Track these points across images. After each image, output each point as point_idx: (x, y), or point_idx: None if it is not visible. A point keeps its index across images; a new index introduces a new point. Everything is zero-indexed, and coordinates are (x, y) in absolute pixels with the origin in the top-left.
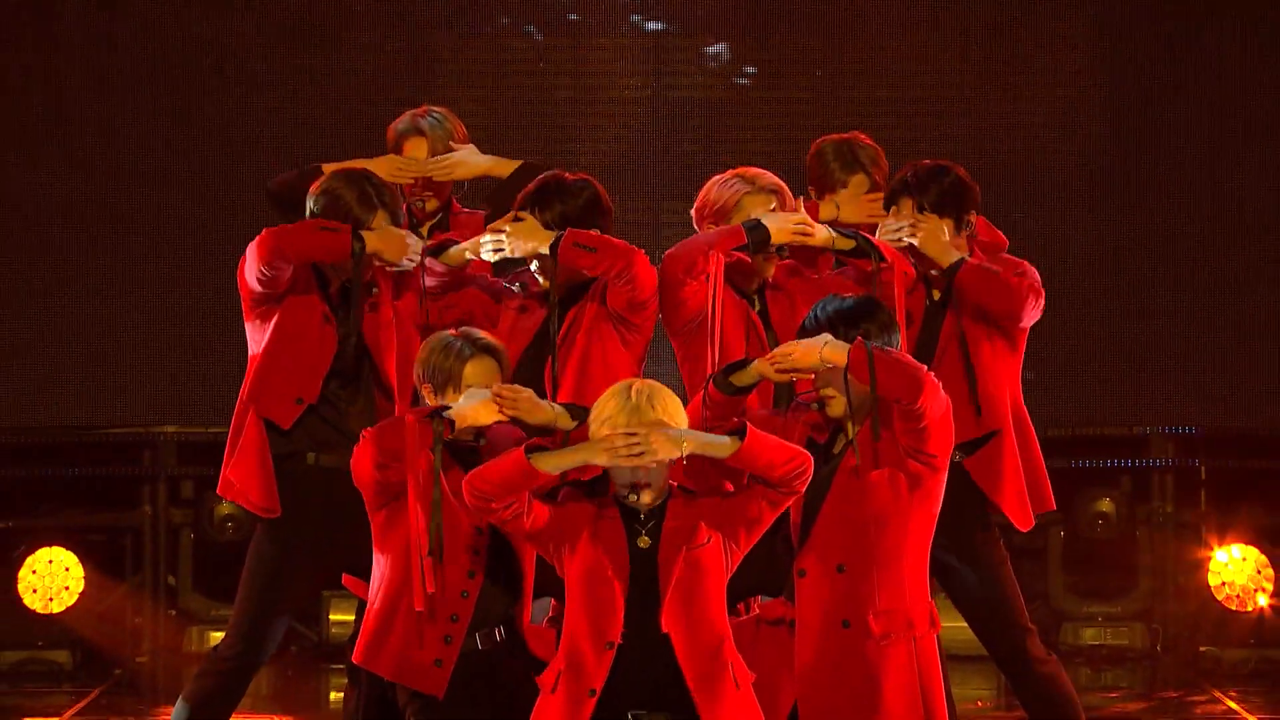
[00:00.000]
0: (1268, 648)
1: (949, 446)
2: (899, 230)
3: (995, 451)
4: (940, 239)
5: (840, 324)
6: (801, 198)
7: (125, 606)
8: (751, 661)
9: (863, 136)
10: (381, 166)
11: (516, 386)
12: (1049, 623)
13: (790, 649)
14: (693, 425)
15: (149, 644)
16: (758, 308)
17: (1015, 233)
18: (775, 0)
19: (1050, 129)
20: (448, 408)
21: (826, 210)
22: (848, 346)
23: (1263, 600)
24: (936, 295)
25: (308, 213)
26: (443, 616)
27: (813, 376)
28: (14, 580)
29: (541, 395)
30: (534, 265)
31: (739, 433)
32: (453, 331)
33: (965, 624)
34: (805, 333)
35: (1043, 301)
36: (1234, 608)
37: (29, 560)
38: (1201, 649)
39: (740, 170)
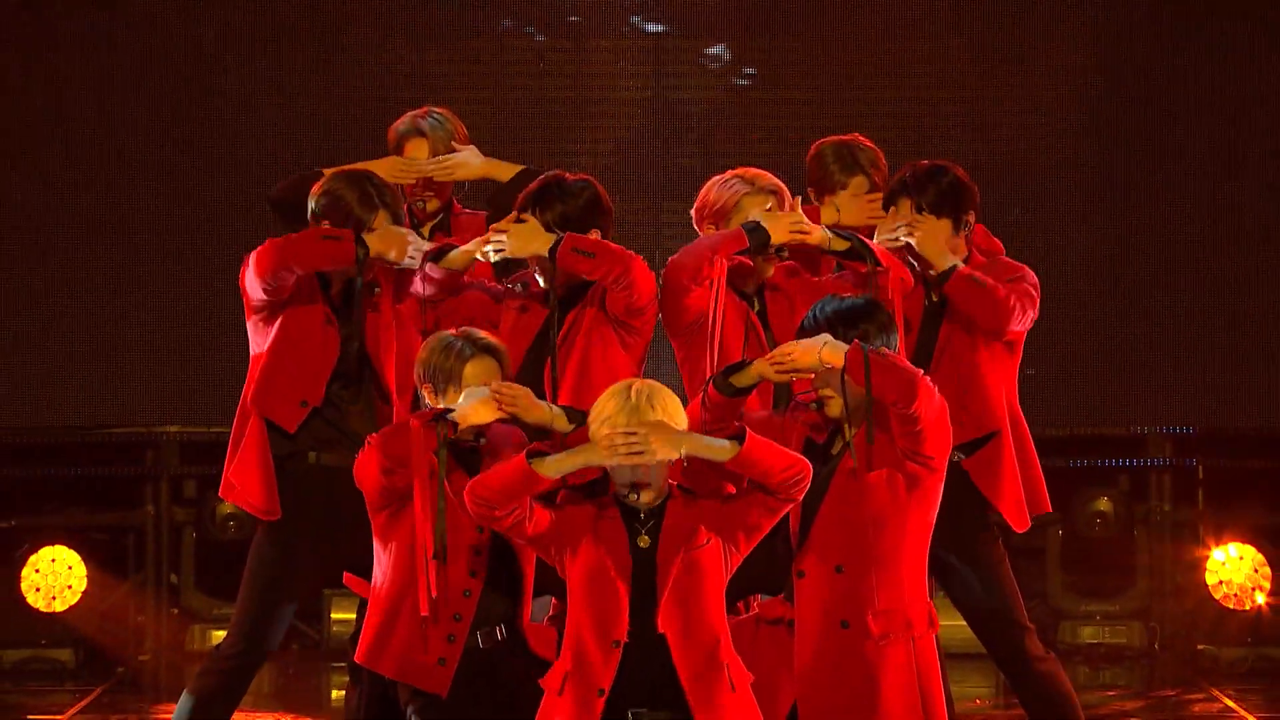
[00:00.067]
0: (1265, 646)
1: (946, 448)
2: (896, 230)
3: (994, 453)
4: (937, 240)
5: (839, 324)
6: (799, 198)
7: (128, 605)
8: (750, 661)
9: (862, 138)
10: (383, 167)
11: (515, 384)
12: (1047, 621)
13: (789, 648)
14: (692, 427)
15: (151, 642)
16: (756, 308)
17: (1013, 233)
18: (775, 2)
19: (1049, 130)
20: (450, 411)
21: (827, 215)
22: (846, 348)
23: (1260, 599)
24: (935, 298)
25: (309, 213)
26: (446, 616)
27: (812, 376)
28: (17, 579)
29: (541, 396)
30: (534, 266)
31: (738, 437)
32: (453, 331)
33: (964, 622)
34: (804, 333)
35: (1034, 311)
36: (1231, 606)
37: (32, 559)
38: (1199, 647)
39: (740, 171)
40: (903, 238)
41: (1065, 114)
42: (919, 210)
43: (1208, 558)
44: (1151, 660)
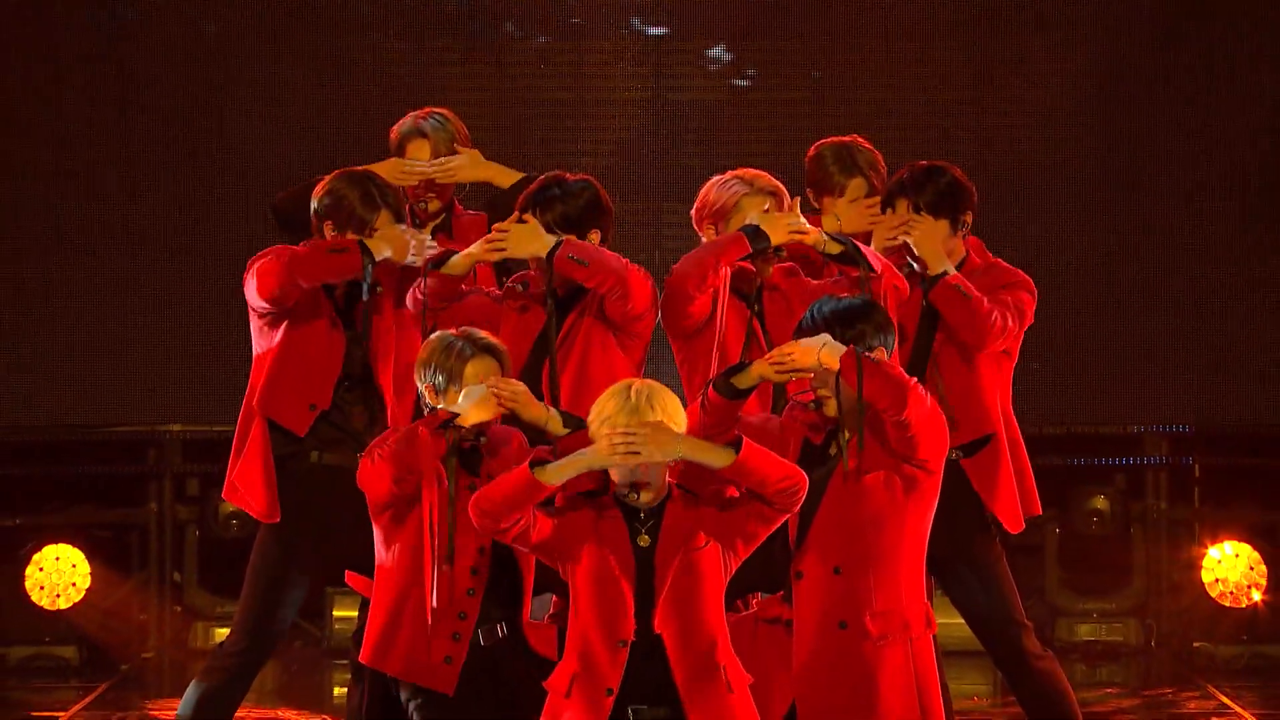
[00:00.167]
0: (1260, 643)
1: (942, 451)
2: (894, 230)
3: (989, 455)
4: (934, 241)
5: (836, 324)
6: (798, 199)
7: (131, 603)
8: (748, 660)
9: (861, 140)
10: (384, 169)
11: (513, 381)
12: (1045, 619)
13: (787, 648)
14: (692, 432)
15: (155, 640)
16: (756, 310)
17: (1011, 233)
18: (775, 3)
19: (1047, 130)
20: (455, 415)
21: (828, 224)
22: (843, 350)
23: (1256, 596)
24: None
25: (312, 213)
26: (451, 614)
27: (810, 377)
28: (21, 577)
29: (540, 397)
30: (534, 267)
31: (736, 445)
32: (454, 331)
33: (962, 620)
34: (802, 332)
35: (1023, 321)
36: (1227, 604)
37: (36, 557)
38: (1195, 645)
39: (739, 172)
40: (900, 236)
41: (1063, 115)
42: (916, 210)
43: (1204, 556)
44: (1148, 657)
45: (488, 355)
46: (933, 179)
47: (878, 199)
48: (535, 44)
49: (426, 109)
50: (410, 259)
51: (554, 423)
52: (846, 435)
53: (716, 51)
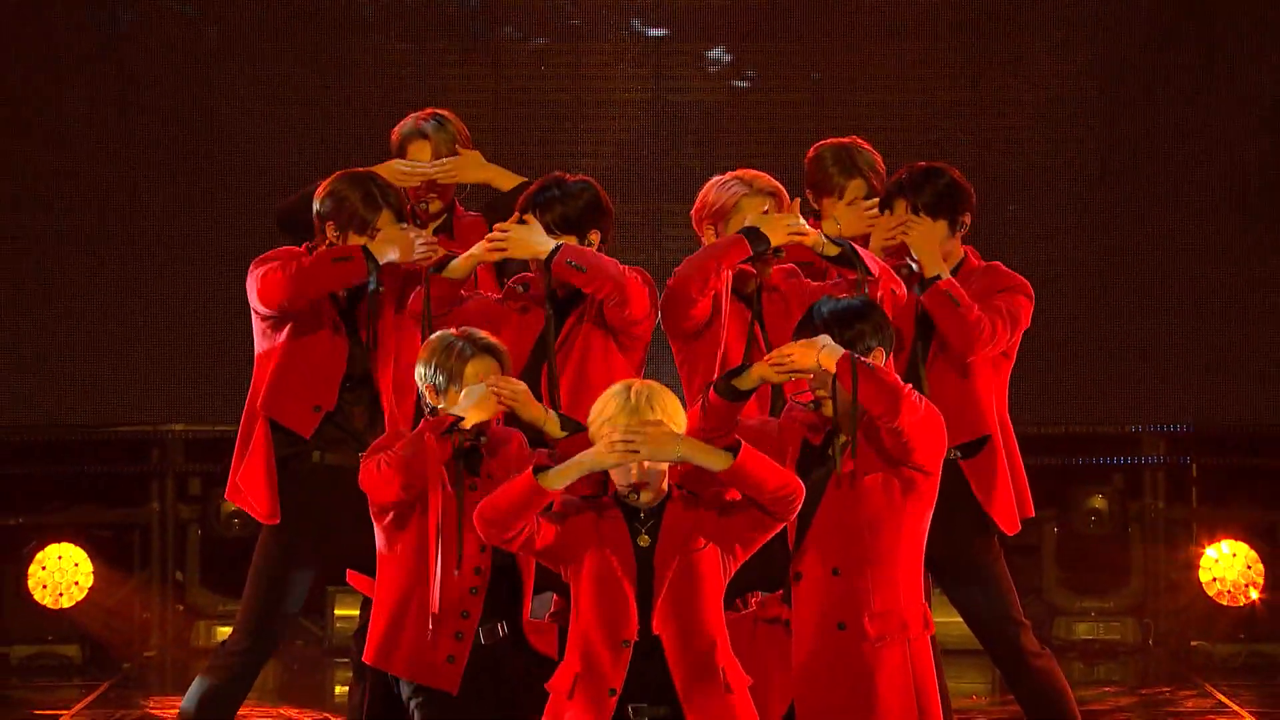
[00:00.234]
0: (1257, 642)
1: (939, 454)
2: (892, 229)
3: (986, 457)
4: (931, 243)
5: (835, 324)
6: (797, 200)
7: (133, 602)
8: (747, 659)
9: (861, 141)
10: (385, 170)
11: (512, 379)
12: (1043, 617)
13: (786, 647)
14: (691, 435)
15: (157, 639)
16: (756, 310)
17: (1009, 233)
18: (774, 5)
19: (1046, 131)
20: (460, 419)
21: (828, 228)
22: (841, 353)
23: (1253, 595)
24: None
25: (314, 214)
26: (454, 613)
27: (810, 377)
28: (24, 576)
29: (539, 399)
30: (535, 268)
31: (734, 449)
32: (454, 331)
33: (960, 619)
34: (801, 332)
35: (1015, 328)
36: (1225, 603)
37: (39, 556)
38: (1192, 643)
39: (738, 173)
40: (898, 236)
41: (1063, 115)
42: (915, 211)
43: (1201, 555)
44: (1145, 656)
45: (488, 355)
46: (931, 180)
47: (877, 201)
48: (535, 46)
49: (427, 110)
50: (417, 254)
51: (551, 424)
52: (842, 439)
53: (716, 53)
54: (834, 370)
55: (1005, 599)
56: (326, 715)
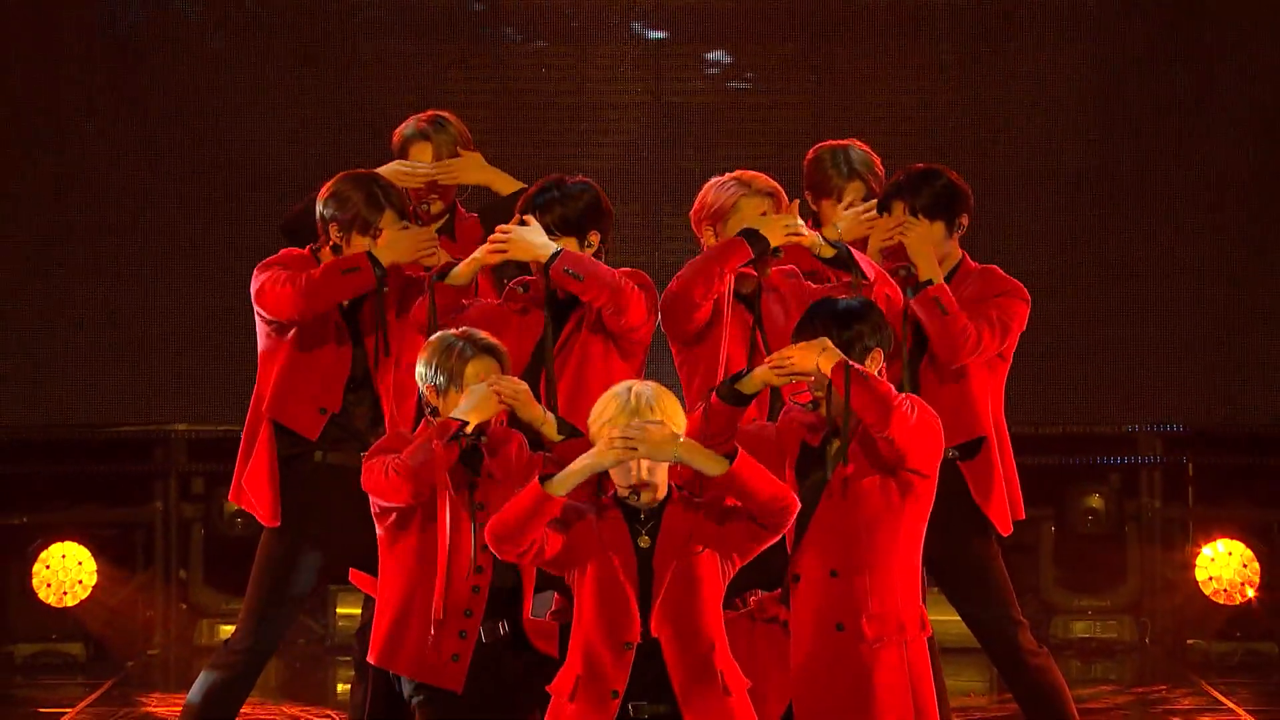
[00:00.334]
0: (1253, 640)
1: (935, 458)
2: (890, 230)
3: (982, 458)
4: (927, 245)
5: (835, 325)
6: (796, 201)
7: (137, 600)
8: (745, 659)
9: (860, 143)
10: (387, 172)
11: (515, 379)
12: (1040, 616)
13: (784, 647)
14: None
15: (160, 637)
16: (756, 310)
17: (1009, 234)
18: (774, 7)
19: (1043, 132)
20: (465, 424)
21: (829, 233)
22: (838, 358)
23: (1249, 594)
24: None
25: (317, 216)
26: (457, 613)
27: (810, 379)
28: (28, 575)
29: (538, 400)
30: (535, 270)
31: (732, 456)
32: (454, 332)
33: (958, 617)
34: (800, 332)
35: (1010, 330)
36: (1221, 601)
37: (43, 555)
38: (1189, 642)
39: (737, 174)
40: (895, 236)
41: (1062, 117)
42: (913, 213)
43: (1197, 554)
44: (1142, 654)
45: (488, 355)
46: (929, 181)
47: (874, 203)
48: (536, 48)
49: (429, 112)
50: (420, 252)
51: (549, 427)
52: (836, 444)
53: (716, 55)
54: (830, 376)
55: (1003, 598)
56: (328, 713)
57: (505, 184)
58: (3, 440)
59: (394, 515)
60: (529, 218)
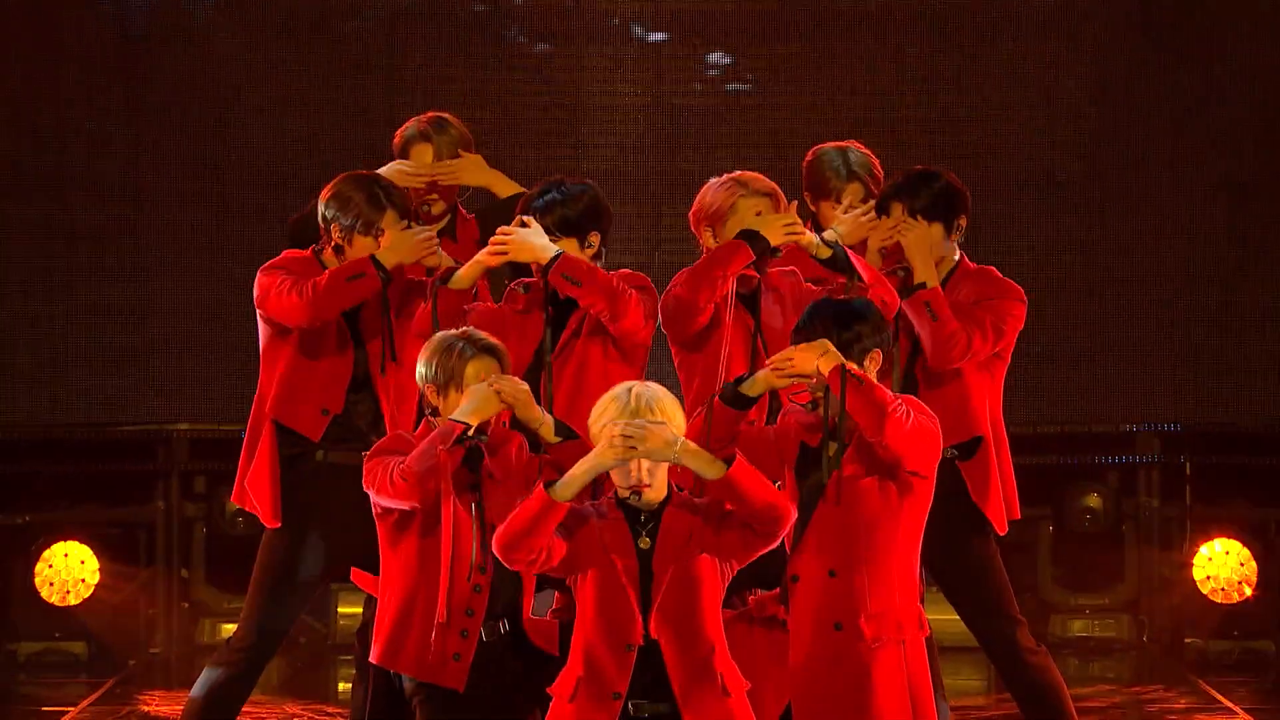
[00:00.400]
0: (1250, 639)
1: (933, 460)
2: (889, 231)
3: (979, 457)
4: (924, 247)
5: (834, 325)
6: (795, 201)
7: (139, 599)
8: (744, 659)
9: (859, 145)
10: (388, 172)
11: (515, 379)
12: (1038, 615)
13: (783, 646)
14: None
15: (162, 636)
16: (755, 310)
17: (1008, 234)
18: (774, 9)
19: (1041, 133)
20: (468, 427)
21: (829, 236)
22: (838, 361)
23: (1246, 592)
24: None
25: (319, 216)
26: (459, 612)
27: (811, 381)
28: (31, 573)
29: (539, 402)
30: (536, 271)
31: (729, 461)
32: (454, 332)
33: (957, 616)
34: (799, 332)
35: (1004, 333)
36: (1218, 600)
37: (46, 554)
38: (1186, 640)
39: (735, 174)
40: (894, 239)
41: (1061, 118)
42: (911, 214)
43: (1195, 553)
44: (1140, 653)
45: (488, 355)
46: (927, 183)
47: (873, 205)
48: (537, 50)
49: (430, 113)
50: (422, 251)
51: (546, 428)
52: (832, 446)
53: (716, 57)
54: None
55: (1001, 596)
56: (329, 711)
57: (504, 186)
58: (5, 439)
59: (395, 515)
60: (529, 219)
